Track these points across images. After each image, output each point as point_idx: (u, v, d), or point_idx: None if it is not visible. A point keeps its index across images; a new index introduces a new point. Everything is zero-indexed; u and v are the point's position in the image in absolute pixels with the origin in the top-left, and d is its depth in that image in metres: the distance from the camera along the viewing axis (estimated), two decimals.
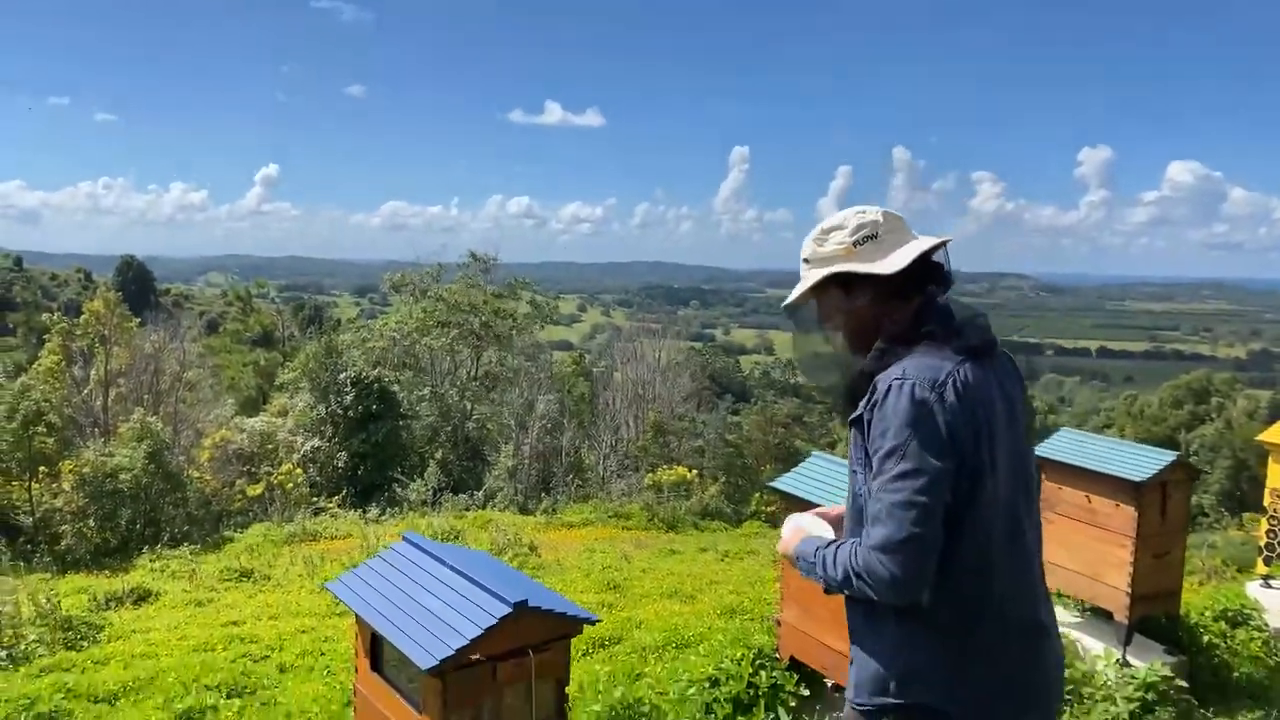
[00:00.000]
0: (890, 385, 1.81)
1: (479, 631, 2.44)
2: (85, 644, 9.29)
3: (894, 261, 1.92)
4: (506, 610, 2.49)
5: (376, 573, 2.90)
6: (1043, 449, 4.99)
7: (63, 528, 16.51)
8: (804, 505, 3.98)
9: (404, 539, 3.01)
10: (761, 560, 13.25)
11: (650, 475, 20.70)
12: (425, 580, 2.76)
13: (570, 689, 2.82)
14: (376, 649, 2.81)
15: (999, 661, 1.89)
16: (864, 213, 1.99)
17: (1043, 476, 5.00)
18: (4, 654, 8.68)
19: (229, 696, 6.79)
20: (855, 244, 1.96)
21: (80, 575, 14.26)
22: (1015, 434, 1.89)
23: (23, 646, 8.87)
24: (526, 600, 2.51)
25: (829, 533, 2.04)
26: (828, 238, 1.99)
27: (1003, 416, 1.86)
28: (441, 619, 2.55)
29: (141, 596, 11.49)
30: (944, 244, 1.98)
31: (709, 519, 18.72)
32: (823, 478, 3.99)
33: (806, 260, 2.04)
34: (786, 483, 4.02)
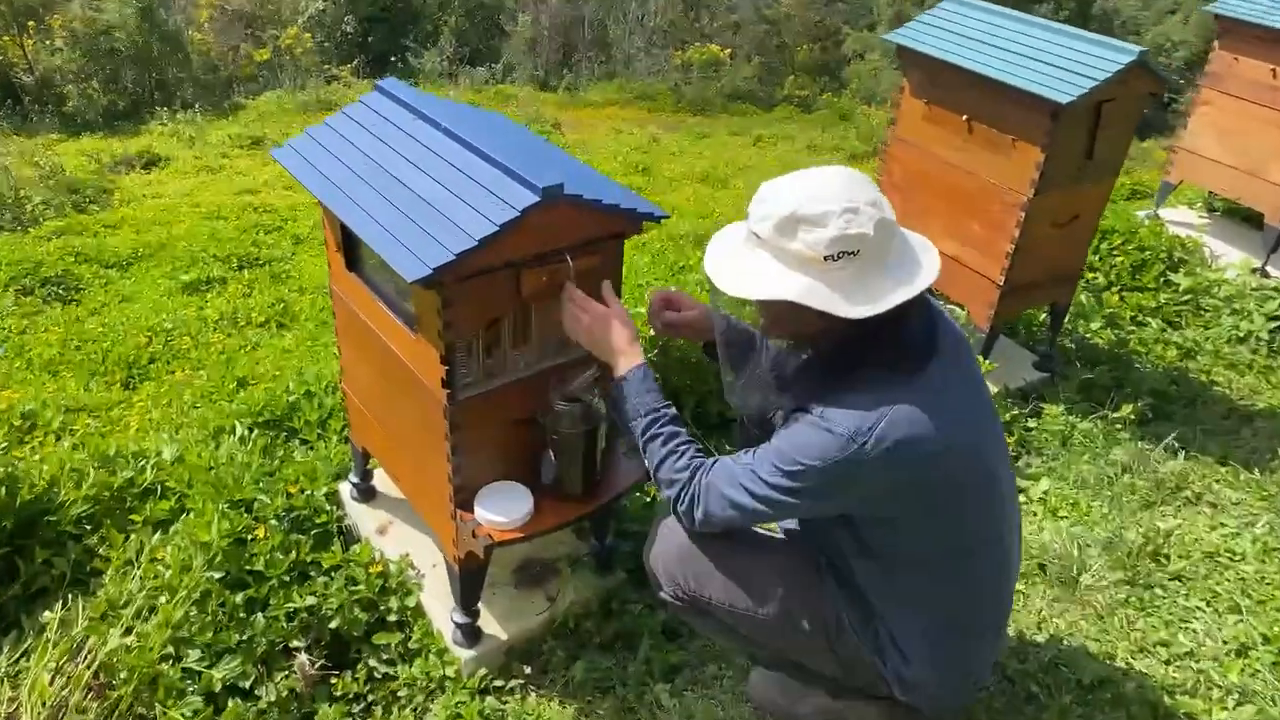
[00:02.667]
0: (811, 420, 1.47)
1: (492, 229, 1.58)
2: (95, 208, 8.74)
3: (865, 302, 1.41)
4: (532, 200, 1.61)
5: (344, 139, 1.98)
6: (1220, 5, 3.76)
7: (67, 88, 15.43)
8: (932, 63, 2.91)
9: (377, 89, 2.04)
10: (796, 146, 12.33)
11: (679, 54, 19.02)
12: (414, 152, 1.85)
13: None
14: (352, 242, 1.99)
15: None
16: (853, 215, 1.39)
17: (1215, 43, 3.83)
18: (9, 216, 8.09)
19: (239, 268, 6.26)
20: (828, 257, 1.40)
21: (93, 138, 13.48)
22: (982, 428, 1.57)
23: (29, 209, 8.29)
24: (562, 186, 1.62)
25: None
26: (796, 231, 1.42)
27: (965, 425, 1.50)
28: (438, 209, 1.68)
29: (151, 161, 10.77)
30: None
31: (739, 101, 17.45)
32: (960, 29, 2.87)
33: (757, 236, 1.47)
34: (911, 35, 2.92)
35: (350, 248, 1.99)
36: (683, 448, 1.67)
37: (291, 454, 2.76)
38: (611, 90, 16.47)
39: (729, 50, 18.96)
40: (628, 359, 1.74)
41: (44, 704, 2.19)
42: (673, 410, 1.72)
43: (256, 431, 2.89)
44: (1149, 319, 3.62)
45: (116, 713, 2.20)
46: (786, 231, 1.40)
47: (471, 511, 1.89)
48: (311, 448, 2.81)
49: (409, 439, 2.03)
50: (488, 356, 1.81)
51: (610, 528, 2.31)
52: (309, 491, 2.49)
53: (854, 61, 19.60)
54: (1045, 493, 2.62)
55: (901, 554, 1.55)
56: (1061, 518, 2.54)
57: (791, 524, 1.82)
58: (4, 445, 3.46)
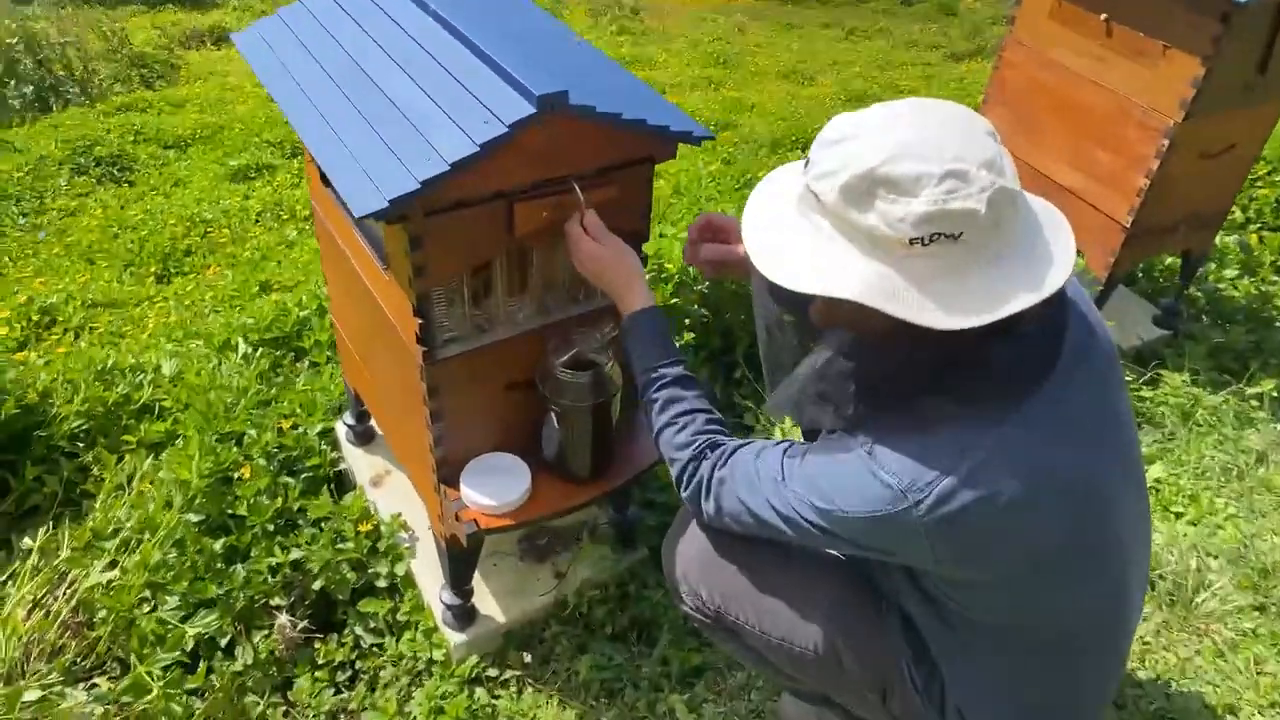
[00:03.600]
0: (858, 454, 1.06)
1: (469, 151, 1.19)
2: (163, 84, 8.53)
3: (965, 308, 0.95)
4: (526, 113, 1.20)
5: (320, 26, 1.58)
6: None
7: None
8: None
9: None
10: (893, 42, 11.38)
11: None
12: (399, 47, 1.44)
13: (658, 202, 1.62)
14: None
15: None
16: (959, 183, 0.92)
17: None
18: (77, 89, 7.91)
19: (291, 155, 5.95)
20: (915, 241, 0.94)
21: (168, 12, 13.23)
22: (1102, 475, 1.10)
23: (97, 83, 8.11)
24: (565, 94, 1.20)
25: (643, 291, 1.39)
26: (873, 199, 0.95)
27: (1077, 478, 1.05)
28: (413, 123, 1.29)
29: (221, 37, 10.48)
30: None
31: None
32: None
33: (816, 197, 0.99)
34: None
35: None
36: (684, 419, 1.30)
37: (294, 379, 2.47)
38: None
39: None
40: (628, 302, 1.38)
41: (19, 638, 1.98)
42: (677, 369, 1.34)
43: (262, 350, 2.60)
44: None
45: (94, 654, 1.99)
46: (858, 198, 0.96)
47: (457, 488, 1.56)
48: (319, 372, 2.51)
49: (392, 392, 1.70)
50: (475, 307, 1.44)
51: (632, 496, 1.97)
52: (302, 428, 2.21)
53: None
54: (1158, 481, 2.17)
55: (971, 620, 1.16)
56: (1176, 515, 2.10)
57: None
58: (19, 341, 3.28)
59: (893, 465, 1.02)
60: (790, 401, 1.16)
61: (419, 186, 1.17)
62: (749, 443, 1.25)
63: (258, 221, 4.70)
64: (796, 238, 1.03)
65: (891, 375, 1.05)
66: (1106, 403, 1.13)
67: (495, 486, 1.54)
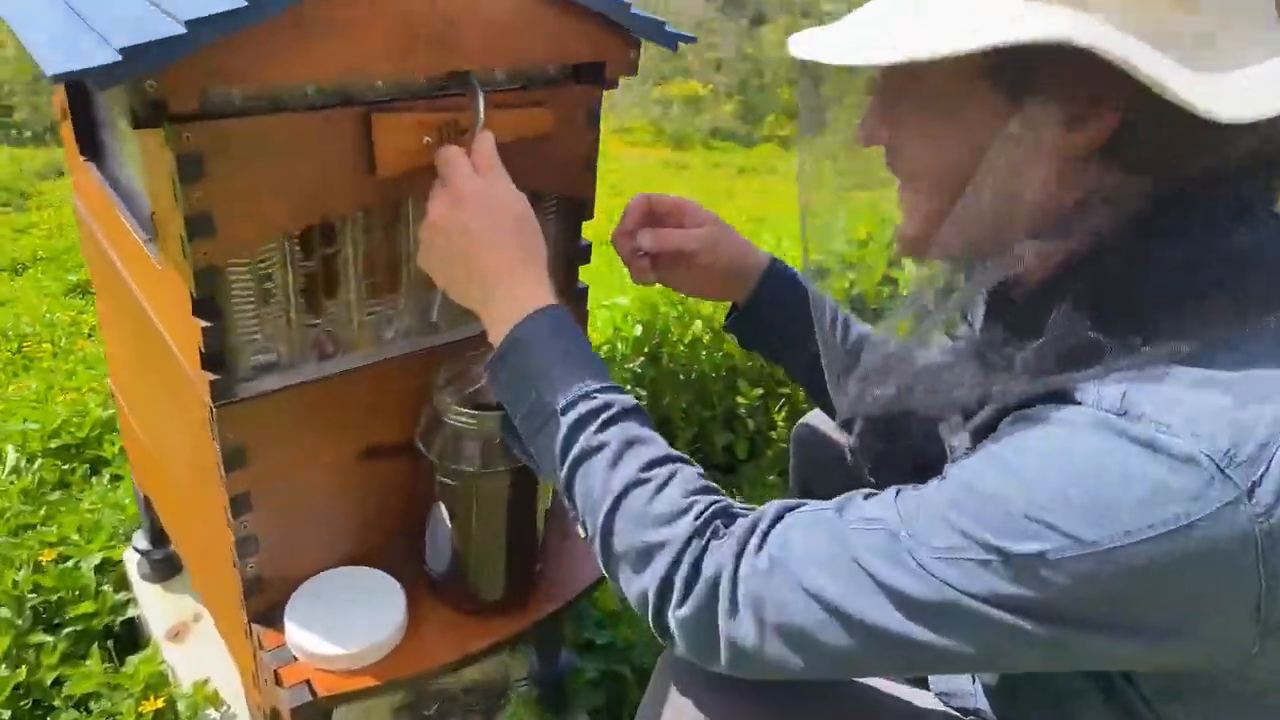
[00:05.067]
0: (1094, 420, 0.50)
1: None
2: (9, 210, 7.83)
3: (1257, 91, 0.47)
4: None
5: None
6: None
7: (14, 99, 14.63)
8: None
9: None
10: (781, 176, 11.69)
11: (659, 88, 18.72)
12: None
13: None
14: (84, 97, 1.03)
15: None
16: None
17: None
18: None
19: None
20: None
21: (31, 149, 12.55)
22: None
23: None
24: None
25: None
26: None
27: None
28: None
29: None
30: None
31: (720, 139, 17.00)
32: None
33: None
34: None
35: (81, 104, 1.03)
36: (660, 472, 0.67)
37: (78, 497, 1.77)
38: None
39: (710, 86, 18.65)
40: (524, 294, 0.75)
41: None
42: (624, 395, 0.72)
43: (43, 462, 1.90)
44: None
45: None
46: None
47: (279, 629, 0.92)
48: (117, 486, 1.83)
49: (178, 471, 1.06)
50: (309, 311, 0.85)
51: (562, 636, 1.34)
52: (73, 560, 1.51)
53: None
54: None
55: None
56: None
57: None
58: None
59: (1178, 421, 0.49)
60: (924, 379, 0.59)
61: (183, 32, 0.61)
62: (802, 504, 0.67)
63: (90, 336, 3.95)
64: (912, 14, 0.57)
65: (1116, 275, 0.54)
66: None
67: (344, 622, 0.91)
